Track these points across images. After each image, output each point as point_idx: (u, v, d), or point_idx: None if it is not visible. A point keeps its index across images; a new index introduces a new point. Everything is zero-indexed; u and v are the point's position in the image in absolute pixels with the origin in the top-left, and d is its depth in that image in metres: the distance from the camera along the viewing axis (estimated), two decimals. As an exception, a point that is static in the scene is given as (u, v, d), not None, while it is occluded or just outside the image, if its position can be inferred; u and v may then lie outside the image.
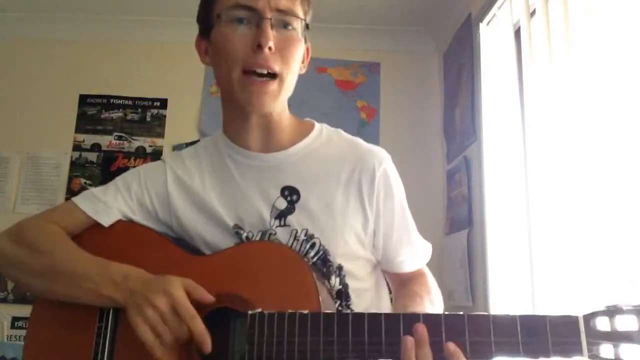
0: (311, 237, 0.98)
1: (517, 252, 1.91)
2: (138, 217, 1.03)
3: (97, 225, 1.01)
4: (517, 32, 2.06)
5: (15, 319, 2.75)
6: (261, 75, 0.92)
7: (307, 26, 0.98)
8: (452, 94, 2.76)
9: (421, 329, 0.78)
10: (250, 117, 0.99)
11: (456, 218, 2.55)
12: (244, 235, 0.99)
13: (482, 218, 2.21)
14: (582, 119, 1.51)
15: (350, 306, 1.00)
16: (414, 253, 1.09)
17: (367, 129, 2.95)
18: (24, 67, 3.07)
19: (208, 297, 0.88)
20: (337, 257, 0.98)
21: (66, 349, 0.95)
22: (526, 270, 1.81)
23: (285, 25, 0.94)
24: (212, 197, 1.01)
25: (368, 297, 1.05)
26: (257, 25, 0.92)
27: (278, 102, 0.96)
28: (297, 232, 0.98)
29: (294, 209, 0.99)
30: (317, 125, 1.08)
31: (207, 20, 0.98)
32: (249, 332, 0.83)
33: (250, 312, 0.84)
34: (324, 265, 0.98)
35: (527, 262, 1.81)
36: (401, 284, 1.10)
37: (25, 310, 2.80)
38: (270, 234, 0.98)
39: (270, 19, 0.91)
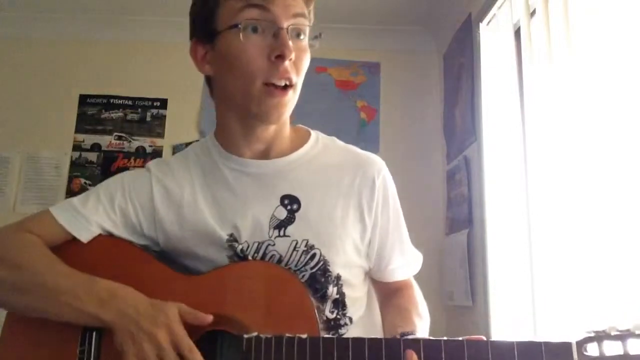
0: (311, 247, 0.96)
1: (517, 252, 1.91)
2: (120, 231, 0.98)
3: (75, 239, 0.95)
4: (517, 32, 2.06)
5: (15, 319, 2.75)
6: (279, 86, 0.90)
7: (319, 35, 0.95)
8: (452, 94, 2.75)
9: (410, 354, 0.78)
10: (258, 128, 0.96)
11: (456, 218, 2.54)
12: (239, 247, 0.95)
13: (482, 218, 2.21)
14: (582, 119, 1.51)
15: (347, 314, 0.99)
16: (406, 261, 1.09)
17: (367, 129, 2.95)
18: (23, 67, 3.07)
19: (205, 320, 0.85)
20: (336, 267, 0.97)
21: None
22: (526, 270, 1.81)
23: (298, 34, 0.92)
24: (204, 209, 0.97)
25: (363, 305, 1.04)
26: (273, 35, 0.88)
27: (290, 111, 0.96)
28: (297, 242, 0.95)
29: (294, 218, 0.96)
30: (312, 132, 1.07)
31: (207, 26, 0.93)
32: (245, 357, 0.81)
33: (245, 335, 0.81)
34: (323, 276, 0.96)
35: (527, 262, 1.81)
36: (388, 295, 1.09)
37: (25, 310, 2.80)
38: (269, 245, 0.95)
39: (287, 28, 0.89)
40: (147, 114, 3.04)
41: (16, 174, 2.93)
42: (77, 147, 2.98)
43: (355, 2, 2.81)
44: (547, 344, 0.78)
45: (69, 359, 0.88)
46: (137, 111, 3.04)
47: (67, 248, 0.94)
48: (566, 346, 0.78)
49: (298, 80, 0.93)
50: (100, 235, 0.96)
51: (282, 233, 0.96)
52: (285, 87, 0.90)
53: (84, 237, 0.95)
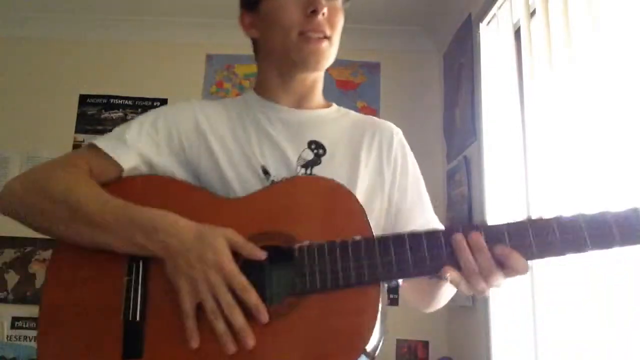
0: None
1: (517, 252, 1.90)
2: (163, 156, 0.98)
3: (117, 179, 0.95)
4: (517, 32, 2.06)
5: (15, 319, 2.75)
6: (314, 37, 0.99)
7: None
8: (452, 94, 2.76)
9: (476, 236, 0.79)
10: (297, 76, 1.04)
11: (456, 218, 2.54)
12: (270, 178, 0.98)
13: (482, 218, 2.21)
14: (582, 119, 1.51)
15: None
16: (426, 221, 1.08)
17: (367, 129, 2.95)
18: (24, 67, 3.07)
19: (259, 254, 0.83)
20: None
21: (91, 306, 0.87)
22: (526, 270, 1.81)
23: None
24: (242, 140, 1.02)
25: None
26: None
27: (328, 62, 1.03)
28: None
29: (320, 161, 1.01)
30: (334, 104, 1.15)
31: None
32: (298, 266, 0.81)
33: (297, 245, 0.82)
34: None
35: (527, 262, 1.81)
36: None
37: (25, 310, 2.80)
38: None
39: None
40: (147, 114, 3.04)
41: (16, 174, 2.92)
42: (77, 147, 2.98)
43: (356, 2, 2.80)
44: (613, 213, 0.78)
45: (116, 290, 0.86)
46: (137, 111, 3.04)
47: (110, 188, 0.92)
48: (634, 211, 0.78)
49: (333, 34, 1.01)
50: (140, 175, 0.97)
51: (309, 172, 1.00)
52: (321, 39, 0.99)
53: (125, 162, 0.95)
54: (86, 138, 3.00)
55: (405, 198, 1.07)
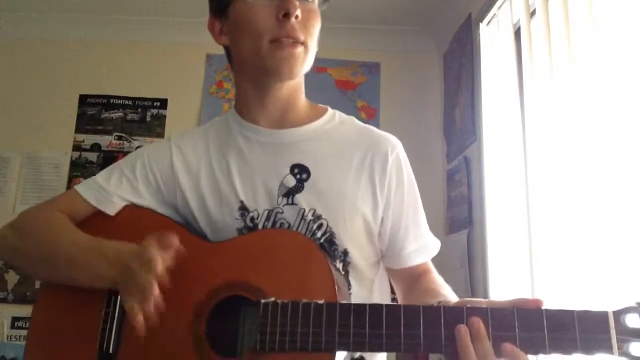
0: (318, 217, 0.96)
1: (517, 252, 1.91)
2: (145, 200, 1.01)
3: (102, 212, 1.00)
4: (517, 32, 2.06)
5: (15, 319, 2.75)
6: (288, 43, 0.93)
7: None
8: (452, 94, 2.76)
9: (477, 321, 0.75)
10: (272, 88, 0.99)
11: (456, 218, 2.54)
12: (249, 215, 0.96)
13: (482, 218, 2.21)
14: (582, 119, 1.51)
15: (350, 294, 0.97)
16: (421, 245, 1.06)
17: (367, 129, 2.94)
18: (24, 67, 3.07)
19: (172, 241, 0.85)
20: (344, 241, 0.96)
21: (70, 335, 0.93)
22: (526, 270, 1.81)
23: None
24: (219, 178, 1.00)
25: (370, 288, 1.02)
26: None
27: (303, 68, 0.97)
28: (304, 211, 0.96)
29: (302, 187, 0.97)
30: (331, 109, 1.08)
31: (220, 0, 0.98)
32: (261, 322, 0.81)
33: (262, 300, 0.82)
34: (330, 248, 0.96)
35: (527, 262, 1.81)
36: (410, 285, 1.06)
37: (25, 310, 2.80)
38: (277, 213, 0.96)
39: None
40: (147, 114, 3.04)
41: (16, 174, 2.93)
42: (77, 147, 2.98)
43: (356, 2, 2.81)
44: (579, 313, 0.73)
45: (94, 322, 0.92)
46: (137, 111, 3.04)
47: (95, 220, 1.00)
48: (601, 316, 0.73)
49: (308, 39, 0.95)
50: (126, 206, 1.01)
51: (290, 201, 0.96)
52: (295, 43, 0.93)
53: (110, 210, 1.00)
54: (86, 138, 3.00)
55: (399, 224, 1.03)
